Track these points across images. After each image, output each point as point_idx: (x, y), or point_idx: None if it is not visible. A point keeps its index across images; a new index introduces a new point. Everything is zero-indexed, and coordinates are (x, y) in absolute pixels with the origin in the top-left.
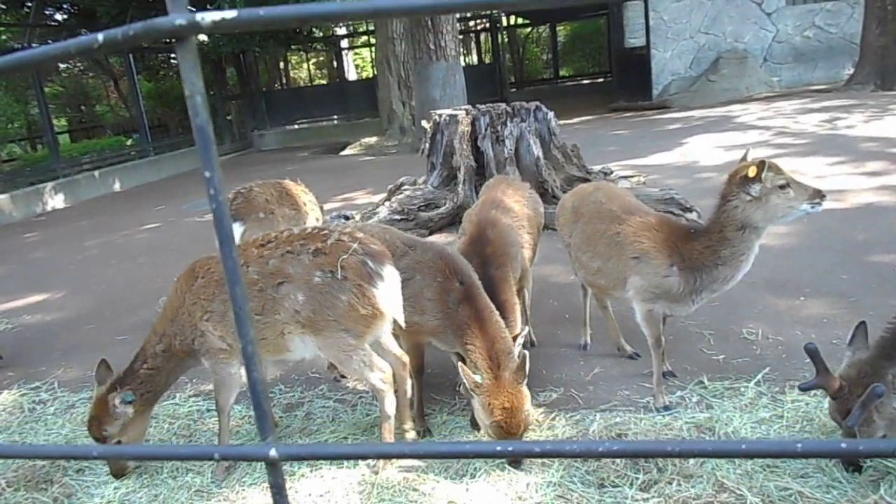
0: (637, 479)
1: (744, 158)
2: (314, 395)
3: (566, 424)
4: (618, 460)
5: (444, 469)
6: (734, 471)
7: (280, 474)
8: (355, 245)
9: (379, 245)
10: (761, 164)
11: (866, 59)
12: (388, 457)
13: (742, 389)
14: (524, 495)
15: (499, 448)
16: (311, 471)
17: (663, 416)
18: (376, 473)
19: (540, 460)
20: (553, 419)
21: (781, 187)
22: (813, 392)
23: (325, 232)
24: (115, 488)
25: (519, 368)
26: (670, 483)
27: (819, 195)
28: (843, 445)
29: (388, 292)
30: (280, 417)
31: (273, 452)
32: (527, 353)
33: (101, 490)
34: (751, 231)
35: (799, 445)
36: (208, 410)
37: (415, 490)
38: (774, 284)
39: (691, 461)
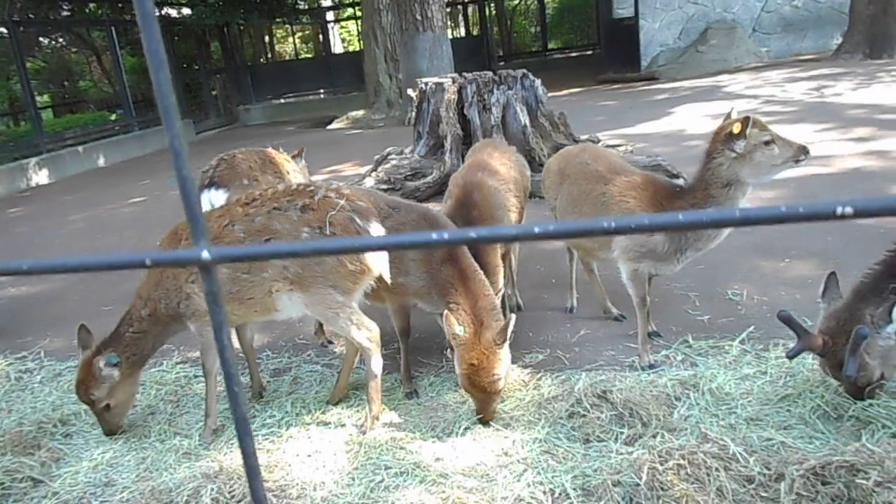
0: (622, 433)
1: (728, 116)
2: (301, 360)
3: (552, 384)
4: (603, 416)
5: (430, 428)
6: (717, 423)
7: (214, 280)
8: (343, 202)
9: (366, 202)
10: (746, 121)
11: (855, 28)
12: (344, 251)
13: (726, 348)
14: (510, 451)
15: (434, 236)
16: (299, 431)
17: (648, 373)
18: (364, 433)
19: (526, 418)
20: (539, 379)
21: (766, 143)
22: None
23: (312, 188)
24: (103, 452)
25: (501, 330)
26: (654, 437)
27: (803, 151)
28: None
29: None
30: (268, 382)
31: (205, 254)
32: (513, 316)
33: (88, 453)
34: (736, 188)
35: (798, 208)
36: (195, 377)
37: (402, 448)
38: (760, 247)
39: (675, 415)
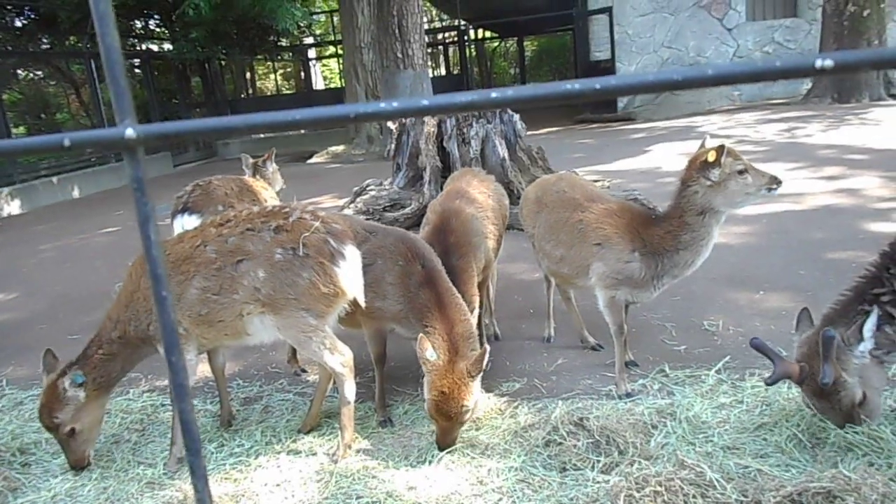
0: (598, 461)
1: (702, 145)
2: (273, 388)
3: (529, 412)
4: (579, 444)
5: (404, 457)
6: (694, 450)
7: (139, 163)
8: (318, 223)
9: (341, 224)
10: (720, 149)
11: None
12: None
13: (703, 377)
14: (485, 480)
15: (383, 105)
16: (268, 460)
17: (625, 402)
18: (335, 462)
19: (502, 446)
20: (515, 407)
21: (740, 172)
22: None
23: (287, 210)
24: (62, 482)
25: (476, 361)
26: (631, 464)
27: (775, 181)
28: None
29: (350, 271)
30: (238, 410)
31: (130, 132)
32: (487, 347)
33: (47, 483)
34: (710, 216)
35: (775, 62)
36: (162, 405)
37: (374, 477)
38: (735, 280)
39: (652, 443)
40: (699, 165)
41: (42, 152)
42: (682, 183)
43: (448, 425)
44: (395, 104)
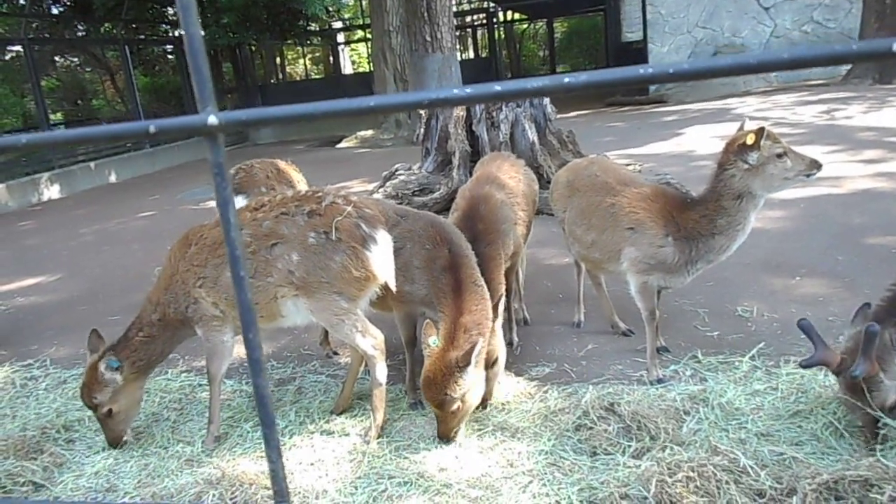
0: (629, 446)
1: (741, 128)
2: (306, 370)
3: (559, 396)
4: (610, 429)
5: (434, 438)
6: (727, 437)
7: (219, 148)
8: (350, 208)
9: (373, 209)
10: (760, 132)
11: None
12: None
13: (736, 363)
14: (515, 463)
15: (455, 91)
16: (302, 440)
17: (657, 388)
18: (367, 443)
19: (532, 430)
20: (545, 391)
21: (779, 156)
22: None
23: (320, 194)
24: (105, 458)
25: (465, 353)
26: (663, 450)
27: (816, 165)
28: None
29: (381, 255)
30: (272, 391)
31: (212, 119)
32: (479, 340)
33: (91, 459)
34: (748, 200)
35: (851, 45)
36: (199, 385)
37: (405, 458)
38: (770, 265)
39: (684, 429)
40: (737, 148)
41: (128, 138)
42: (719, 166)
43: (441, 414)
44: (468, 90)
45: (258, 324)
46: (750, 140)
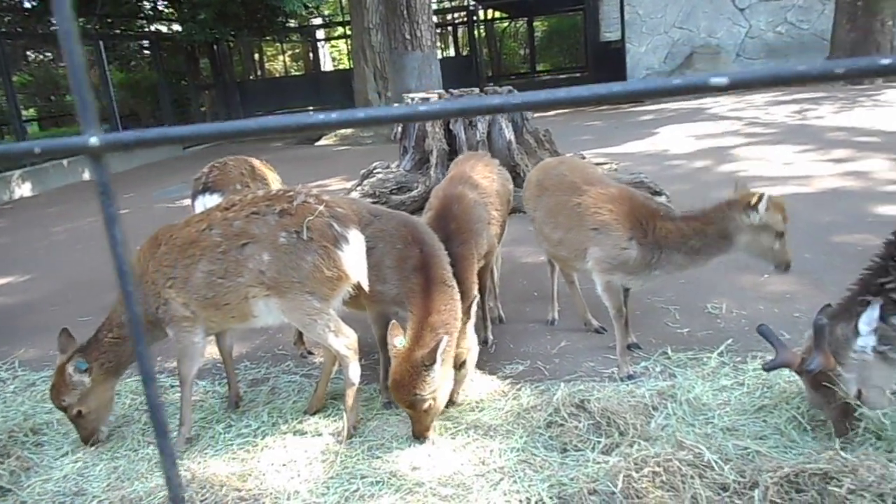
0: (599, 442)
1: (761, 196)
2: (280, 370)
3: (531, 394)
4: (580, 425)
5: (407, 437)
6: (694, 432)
7: (104, 170)
8: (321, 207)
9: (345, 208)
10: (781, 206)
11: (837, 54)
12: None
13: (705, 360)
14: (487, 460)
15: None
16: (275, 440)
17: (627, 384)
18: (340, 443)
19: (504, 428)
20: (518, 389)
21: (778, 234)
22: None
23: (291, 194)
24: (74, 461)
25: (430, 351)
26: (631, 445)
27: (788, 266)
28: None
29: (354, 255)
30: (245, 392)
31: (93, 140)
32: (444, 338)
33: (59, 462)
34: (723, 245)
35: (672, 81)
36: (171, 386)
37: (378, 458)
38: (739, 264)
39: (652, 424)
40: (753, 204)
41: (15, 159)
42: (728, 204)
43: (413, 414)
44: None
45: (230, 324)
46: (765, 207)
